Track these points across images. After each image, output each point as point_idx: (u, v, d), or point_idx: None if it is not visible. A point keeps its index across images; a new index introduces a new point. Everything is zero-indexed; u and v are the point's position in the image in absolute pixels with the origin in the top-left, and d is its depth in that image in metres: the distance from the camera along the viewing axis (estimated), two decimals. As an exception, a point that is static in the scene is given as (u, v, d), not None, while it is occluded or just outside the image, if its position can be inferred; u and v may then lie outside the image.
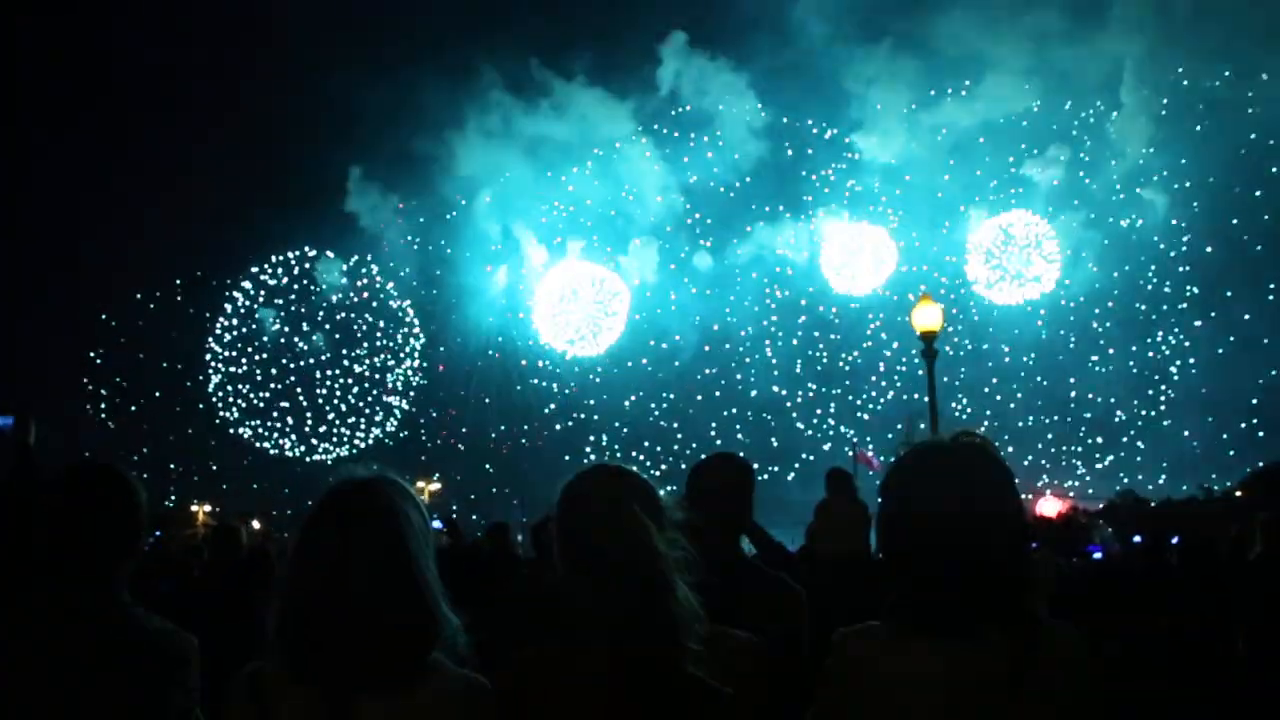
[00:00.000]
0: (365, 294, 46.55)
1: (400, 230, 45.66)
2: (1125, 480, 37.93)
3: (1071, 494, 38.21)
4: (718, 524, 3.52)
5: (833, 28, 39.35)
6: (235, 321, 46.48)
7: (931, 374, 16.81)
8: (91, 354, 45.18)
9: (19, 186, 42.00)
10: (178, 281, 45.83)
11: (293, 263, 46.97)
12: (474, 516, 34.61)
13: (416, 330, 46.40)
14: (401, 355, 46.74)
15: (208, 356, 45.66)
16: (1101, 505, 30.22)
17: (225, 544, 7.72)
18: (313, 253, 46.79)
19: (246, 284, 46.69)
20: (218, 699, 2.17)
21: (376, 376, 46.19)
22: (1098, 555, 16.50)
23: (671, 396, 44.10)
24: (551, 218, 44.08)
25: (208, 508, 39.02)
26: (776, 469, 39.45)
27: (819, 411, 43.10)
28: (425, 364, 46.53)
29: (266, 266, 46.66)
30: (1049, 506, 32.18)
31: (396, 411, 46.49)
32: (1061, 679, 1.94)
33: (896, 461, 2.16)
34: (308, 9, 43.08)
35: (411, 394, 46.32)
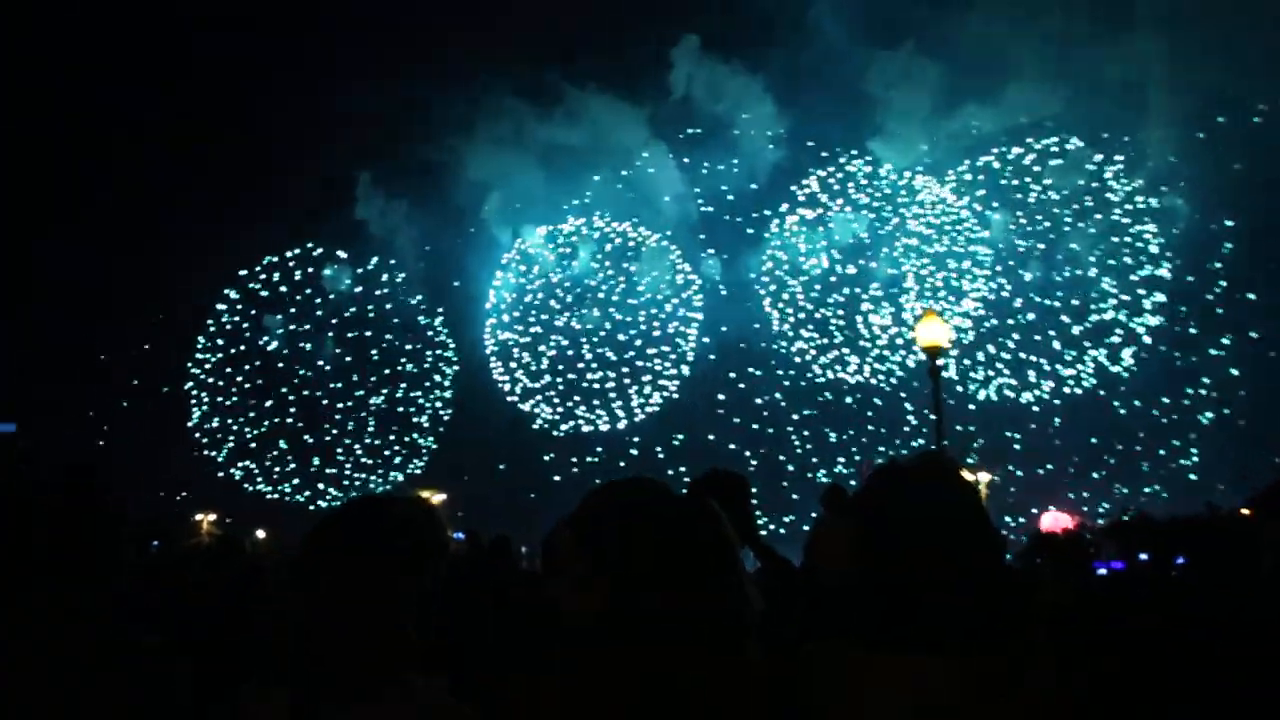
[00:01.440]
0: (388, 305, 38.86)
1: (410, 238, 41.02)
2: (1129, 503, 37.47)
3: (1078, 513, 37.83)
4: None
5: (851, 30, 38.81)
6: (221, 342, 38.47)
7: (938, 389, 16.80)
8: (91, 375, 40.84)
9: (21, 198, 41.37)
10: (193, 302, 40.96)
11: (291, 265, 38.72)
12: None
13: (450, 354, 39.61)
14: (428, 384, 38.57)
15: (188, 385, 38.65)
16: (1106, 522, 30.00)
17: (226, 556, 7.64)
18: (317, 252, 38.70)
19: (233, 293, 38.52)
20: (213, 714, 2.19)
21: (399, 410, 38.19)
22: (1102, 572, 16.38)
23: (681, 437, 41.82)
24: (563, 228, 42.77)
25: (212, 516, 36.61)
26: (793, 518, 37.81)
27: (840, 459, 41.76)
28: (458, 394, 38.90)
29: (259, 269, 38.54)
30: (1055, 521, 31.92)
31: (424, 452, 38.92)
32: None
33: (865, 482, 2.21)
34: (316, 17, 42.86)
35: (441, 429, 39.57)
